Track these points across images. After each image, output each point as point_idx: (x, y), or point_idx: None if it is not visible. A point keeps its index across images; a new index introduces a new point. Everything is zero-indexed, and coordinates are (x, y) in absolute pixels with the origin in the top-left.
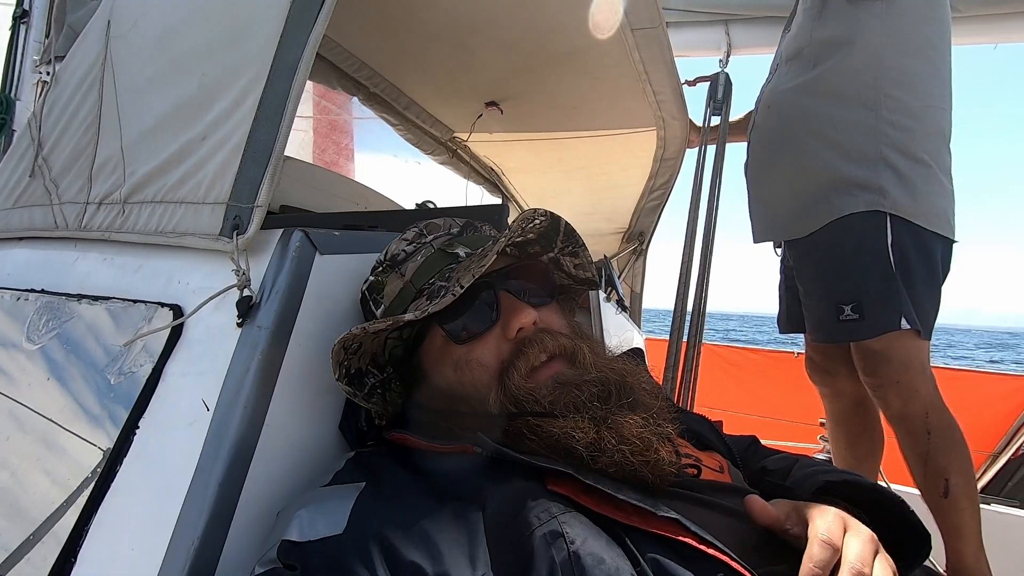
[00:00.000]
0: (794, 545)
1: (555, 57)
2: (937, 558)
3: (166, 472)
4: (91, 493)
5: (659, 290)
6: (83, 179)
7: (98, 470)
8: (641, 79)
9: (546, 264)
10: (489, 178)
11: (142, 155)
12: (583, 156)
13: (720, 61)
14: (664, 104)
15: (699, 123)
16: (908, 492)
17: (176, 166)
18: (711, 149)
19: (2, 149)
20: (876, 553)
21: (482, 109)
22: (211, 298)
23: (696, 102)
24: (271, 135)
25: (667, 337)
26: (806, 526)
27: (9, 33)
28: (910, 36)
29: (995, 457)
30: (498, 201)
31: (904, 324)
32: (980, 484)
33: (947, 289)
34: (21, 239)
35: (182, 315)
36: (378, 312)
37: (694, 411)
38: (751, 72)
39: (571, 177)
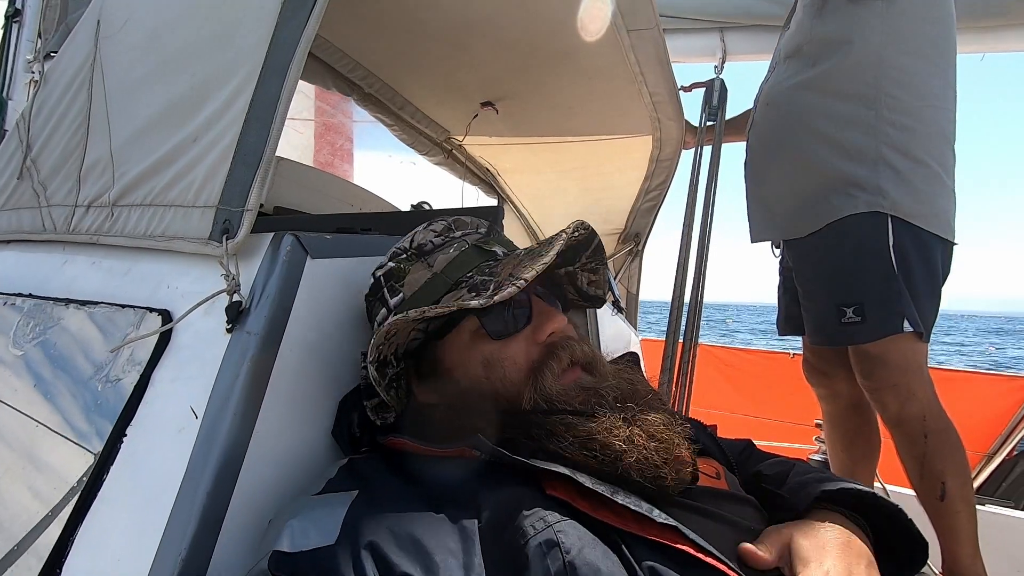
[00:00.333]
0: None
1: (551, 57)
2: (934, 560)
3: (153, 481)
4: (77, 502)
5: (658, 283)
6: (72, 181)
7: (84, 479)
8: (637, 80)
9: (561, 277)
10: (484, 179)
11: (132, 157)
12: (579, 157)
13: (715, 67)
14: (660, 105)
15: (694, 125)
16: (904, 494)
17: (166, 168)
18: (707, 150)
19: None
20: None
21: (478, 109)
22: (200, 303)
23: (692, 108)
24: (262, 137)
25: (663, 337)
26: (804, 561)
27: (1, 32)
28: (911, 35)
29: (990, 457)
30: (493, 202)
31: (906, 326)
32: (975, 484)
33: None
34: (9, 242)
35: (171, 320)
36: (393, 300)
37: (689, 412)
38: (746, 78)
39: (567, 178)
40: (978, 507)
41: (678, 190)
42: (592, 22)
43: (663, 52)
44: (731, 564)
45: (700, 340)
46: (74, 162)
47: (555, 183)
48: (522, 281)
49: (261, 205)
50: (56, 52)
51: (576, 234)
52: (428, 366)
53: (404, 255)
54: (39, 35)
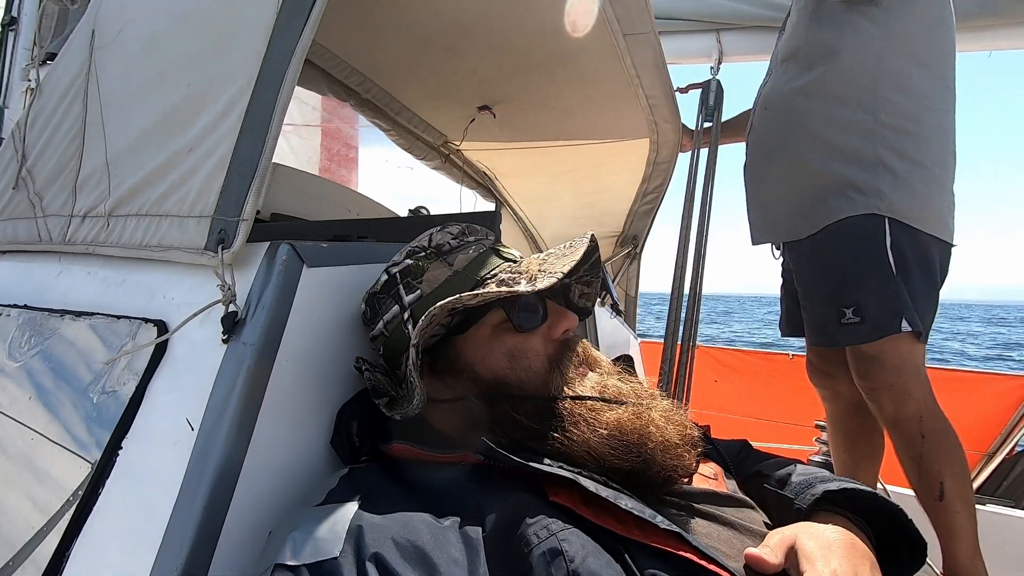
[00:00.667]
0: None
1: (547, 61)
2: (934, 560)
3: (150, 493)
4: (73, 515)
5: (660, 276)
6: (67, 192)
7: (80, 492)
8: (633, 83)
9: (556, 289)
10: (482, 183)
11: (127, 167)
12: (576, 160)
13: (712, 68)
14: (657, 108)
15: (691, 128)
16: (904, 494)
17: (161, 179)
18: (704, 153)
19: None
20: None
21: (474, 113)
22: (195, 314)
23: (688, 109)
24: (257, 147)
25: (662, 339)
26: (810, 560)
27: None
28: (909, 40)
29: (990, 457)
30: (491, 206)
31: (905, 326)
32: (975, 484)
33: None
34: (4, 252)
35: (166, 331)
36: (409, 297)
37: (687, 414)
38: (743, 79)
39: (564, 181)
40: (978, 507)
41: (678, 190)
42: (580, 18)
43: (659, 56)
44: (733, 571)
45: (703, 340)
46: (70, 172)
47: (552, 186)
48: (560, 273)
49: (258, 212)
50: (54, 55)
51: (590, 243)
52: (444, 363)
53: (423, 253)
54: (35, 43)
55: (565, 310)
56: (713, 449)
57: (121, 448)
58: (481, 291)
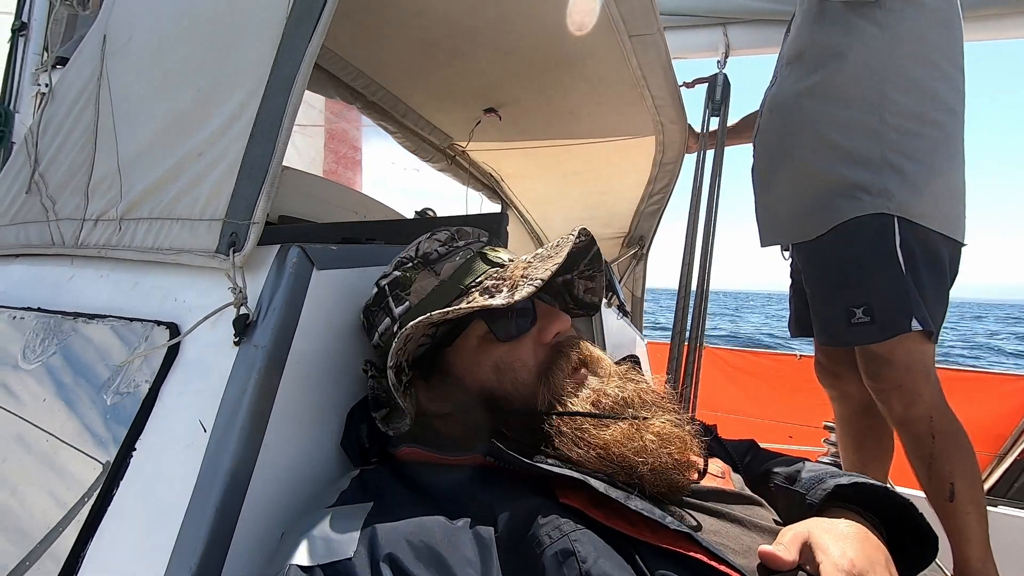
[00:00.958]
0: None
1: (552, 63)
2: (945, 562)
3: (163, 495)
4: (88, 516)
5: (666, 271)
6: (80, 196)
7: (95, 492)
8: (639, 84)
9: (559, 286)
10: (488, 184)
11: (138, 171)
12: (582, 161)
13: (718, 62)
14: (663, 109)
15: (698, 124)
16: (914, 495)
17: (172, 182)
18: (710, 152)
19: (0, 161)
20: None
21: (480, 116)
22: (207, 316)
23: (695, 104)
24: (267, 151)
25: (668, 340)
26: (825, 551)
27: (8, 46)
28: (915, 41)
29: (1001, 458)
30: (497, 207)
31: (915, 325)
32: (986, 486)
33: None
34: (17, 256)
35: (179, 333)
36: (398, 309)
37: (695, 415)
38: (750, 73)
39: (570, 182)
40: (990, 508)
41: (687, 190)
42: (584, 17)
43: (665, 56)
44: (743, 570)
45: (713, 340)
46: (82, 176)
47: (558, 188)
48: (539, 280)
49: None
50: (65, 59)
51: (579, 240)
52: (437, 374)
53: (410, 263)
54: (45, 48)
55: (556, 311)
56: (720, 447)
57: (135, 449)
58: (452, 307)
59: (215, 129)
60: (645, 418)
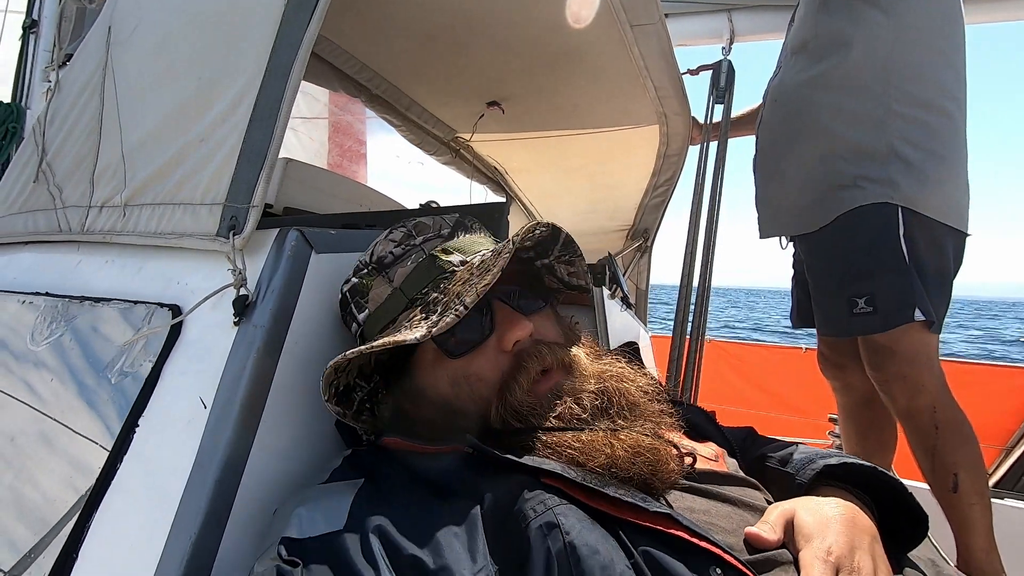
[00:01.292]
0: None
1: (555, 55)
2: (949, 553)
3: (164, 470)
4: (92, 491)
5: (669, 267)
6: (85, 183)
7: (98, 469)
8: (642, 75)
9: (539, 268)
10: (492, 177)
11: (142, 159)
12: (586, 154)
13: (723, 48)
14: (666, 100)
15: (701, 113)
16: (918, 487)
17: (175, 169)
18: (714, 145)
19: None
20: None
21: (484, 109)
22: (207, 297)
23: (698, 92)
24: (266, 136)
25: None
26: (807, 537)
27: (20, 43)
28: (921, 29)
29: (1008, 451)
30: (502, 200)
31: (918, 315)
32: (993, 479)
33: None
34: (26, 243)
35: (181, 314)
36: (361, 316)
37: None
38: (754, 60)
39: (574, 175)
40: (996, 501)
41: (691, 183)
42: (584, 7)
43: (667, 46)
44: (726, 548)
45: (716, 334)
46: (87, 164)
47: (562, 180)
48: (462, 308)
49: (271, 206)
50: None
51: (535, 233)
52: (407, 380)
53: (365, 269)
54: (55, 45)
55: (516, 316)
56: (718, 432)
57: (138, 427)
58: (366, 347)
59: (216, 116)
60: (615, 430)
